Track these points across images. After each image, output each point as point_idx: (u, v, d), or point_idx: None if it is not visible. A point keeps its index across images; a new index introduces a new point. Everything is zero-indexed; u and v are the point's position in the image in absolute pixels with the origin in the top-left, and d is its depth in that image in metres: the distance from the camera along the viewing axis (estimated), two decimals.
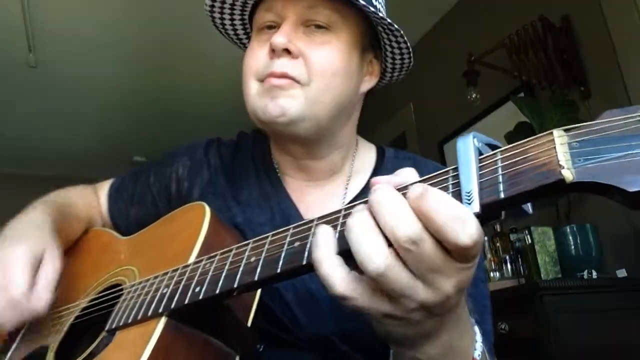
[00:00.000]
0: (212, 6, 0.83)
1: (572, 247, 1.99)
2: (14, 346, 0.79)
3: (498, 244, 2.22)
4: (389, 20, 0.77)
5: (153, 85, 3.77)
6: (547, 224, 2.11)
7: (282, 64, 0.74)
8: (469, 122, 2.91)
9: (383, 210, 0.40)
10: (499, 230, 2.27)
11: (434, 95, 3.22)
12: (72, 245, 0.92)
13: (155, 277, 0.63)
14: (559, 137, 0.38)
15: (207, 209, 0.69)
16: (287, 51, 0.74)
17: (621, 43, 2.12)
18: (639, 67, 2.05)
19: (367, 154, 0.91)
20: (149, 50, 3.37)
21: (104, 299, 0.72)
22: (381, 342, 0.53)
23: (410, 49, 0.85)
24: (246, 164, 0.90)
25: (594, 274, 1.92)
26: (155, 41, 3.29)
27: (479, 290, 0.77)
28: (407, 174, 0.46)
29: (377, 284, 0.40)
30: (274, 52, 0.74)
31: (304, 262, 0.46)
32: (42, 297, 0.68)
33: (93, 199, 1.01)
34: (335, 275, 0.41)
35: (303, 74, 0.74)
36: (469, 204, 0.38)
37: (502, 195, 0.38)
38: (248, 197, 0.85)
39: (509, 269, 2.15)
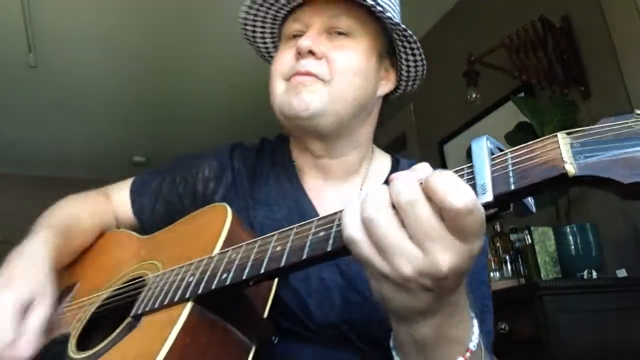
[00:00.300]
0: (246, 19, 0.93)
1: (572, 247, 1.99)
2: None
3: (498, 244, 2.22)
4: (403, 26, 0.85)
5: (153, 85, 3.77)
6: (547, 224, 2.11)
7: (307, 64, 0.82)
8: (469, 122, 2.91)
9: (394, 182, 0.46)
10: (499, 230, 2.27)
11: (434, 95, 3.22)
12: (88, 248, 0.96)
13: (181, 268, 0.66)
14: (563, 139, 0.44)
15: (229, 209, 0.73)
16: (312, 53, 0.83)
17: (621, 43, 2.12)
18: (639, 67, 2.05)
19: (382, 162, 0.97)
20: (149, 50, 3.37)
21: (126, 289, 0.75)
22: (387, 333, 0.56)
23: (424, 58, 0.92)
24: (267, 165, 0.96)
25: (594, 274, 1.92)
26: (155, 41, 3.29)
27: (480, 292, 0.79)
28: (423, 167, 0.49)
29: (376, 242, 0.45)
30: (300, 54, 0.83)
31: (329, 249, 0.51)
32: (25, 346, 0.68)
33: (101, 205, 1.01)
34: (350, 218, 0.47)
35: (326, 72, 0.82)
36: (483, 194, 0.44)
37: (512, 187, 0.44)
38: (267, 196, 0.90)
39: (509, 269, 2.15)
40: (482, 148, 0.47)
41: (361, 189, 0.90)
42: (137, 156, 4.77)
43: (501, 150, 0.49)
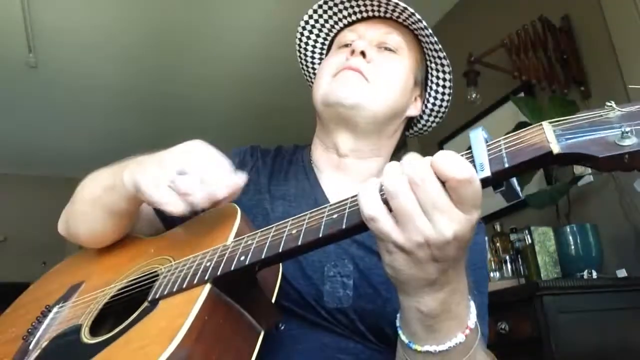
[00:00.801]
0: (305, 25, 1.02)
1: (572, 247, 2.00)
2: (43, 327, 0.81)
3: (498, 244, 2.22)
4: (440, 46, 0.96)
5: (154, 85, 3.77)
6: (547, 224, 2.11)
7: (358, 62, 0.90)
8: (469, 122, 2.91)
9: (408, 162, 0.52)
10: (499, 230, 2.28)
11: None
12: (93, 249, 0.96)
13: (196, 257, 0.69)
14: (547, 126, 0.52)
15: (238, 209, 0.76)
16: (363, 55, 0.91)
17: (621, 43, 2.12)
18: (639, 67, 2.05)
19: None
20: (149, 50, 3.37)
21: (140, 281, 0.76)
22: (393, 325, 0.62)
23: (451, 93, 1.02)
24: (286, 165, 1.01)
25: (594, 274, 1.92)
26: (155, 41, 3.29)
27: (481, 300, 0.81)
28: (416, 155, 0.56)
29: (394, 211, 0.51)
30: (352, 53, 0.91)
31: (344, 227, 0.56)
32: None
33: None
34: (369, 196, 0.53)
35: (371, 73, 0.90)
36: (482, 171, 0.52)
37: (506, 165, 0.52)
38: (285, 192, 0.93)
39: (509, 269, 2.15)
40: (478, 136, 0.56)
41: None
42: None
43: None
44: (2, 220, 4.58)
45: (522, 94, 2.52)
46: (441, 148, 3.13)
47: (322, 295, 0.78)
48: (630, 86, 1.95)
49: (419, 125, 1.07)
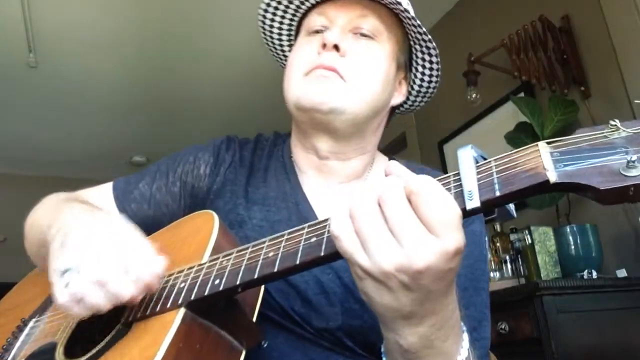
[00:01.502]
0: (267, 8, 0.90)
1: (572, 247, 2.00)
2: (18, 344, 0.79)
3: (498, 244, 2.22)
4: (424, 29, 0.85)
5: (153, 85, 3.77)
6: (547, 224, 2.11)
7: (332, 58, 0.81)
8: (469, 122, 2.91)
9: (380, 180, 0.49)
10: (499, 230, 2.27)
11: (434, 95, 3.22)
12: None
13: (170, 275, 0.65)
14: (543, 148, 0.47)
15: (215, 216, 0.72)
16: (336, 48, 0.81)
17: (621, 43, 2.12)
18: (639, 67, 2.05)
19: (381, 164, 0.94)
20: (149, 50, 3.37)
21: None
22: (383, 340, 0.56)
23: (439, 74, 0.94)
24: (264, 163, 0.93)
25: (594, 274, 1.92)
26: (155, 41, 3.29)
27: (480, 299, 0.79)
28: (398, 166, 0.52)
29: (356, 231, 0.47)
30: (324, 47, 0.81)
31: (322, 254, 0.52)
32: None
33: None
34: (337, 214, 0.49)
35: (348, 70, 0.81)
36: (470, 200, 0.47)
37: (497, 194, 0.47)
38: (264, 196, 0.87)
39: (509, 269, 2.15)
40: (467, 156, 0.50)
41: None
42: (137, 156, 4.77)
43: (485, 158, 0.52)
44: (2, 220, 4.57)
45: (522, 94, 2.52)
46: (441, 148, 3.13)
47: (309, 313, 0.74)
48: (636, 101, 1.95)
49: (405, 106, 1.00)
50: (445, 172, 0.58)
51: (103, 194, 0.94)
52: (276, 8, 0.91)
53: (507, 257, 2.16)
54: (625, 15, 2.12)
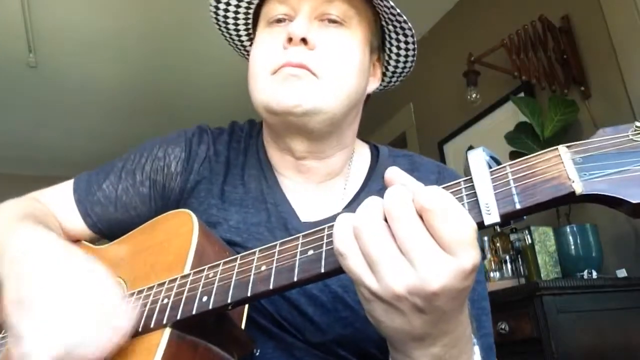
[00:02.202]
0: (218, 1, 0.81)
1: (572, 247, 1.99)
2: None
3: (498, 244, 2.22)
4: (398, 10, 0.77)
5: (153, 85, 3.77)
6: (547, 224, 2.11)
7: (300, 54, 0.73)
8: (469, 122, 2.90)
9: (388, 194, 0.44)
10: (499, 230, 2.27)
11: (434, 95, 3.22)
12: None
13: (150, 289, 0.61)
14: (565, 154, 0.43)
15: (194, 217, 0.67)
16: (304, 42, 0.73)
17: (621, 43, 2.12)
18: (639, 67, 2.04)
19: (362, 154, 0.88)
20: (149, 50, 3.37)
21: None
22: (379, 348, 0.54)
23: (415, 53, 0.85)
24: (242, 160, 0.86)
25: (594, 274, 1.92)
26: (155, 41, 3.29)
27: (477, 294, 0.76)
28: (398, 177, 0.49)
29: (362, 253, 0.44)
30: (290, 41, 0.73)
31: (322, 270, 0.48)
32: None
33: (47, 213, 0.84)
34: (340, 230, 0.45)
35: (319, 65, 0.73)
36: (489, 214, 0.43)
37: (518, 207, 0.42)
38: (242, 196, 0.81)
39: (509, 269, 2.15)
40: (480, 161, 0.45)
41: (344, 189, 0.83)
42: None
43: (495, 159, 0.48)
44: None
45: (522, 94, 2.52)
46: (441, 148, 3.13)
47: (297, 320, 0.71)
48: None
49: (380, 87, 0.92)
50: None
51: (64, 195, 0.86)
52: (227, 4, 0.81)
53: (507, 257, 2.16)
54: (625, 15, 2.12)
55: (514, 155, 2.14)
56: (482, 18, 2.85)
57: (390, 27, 0.83)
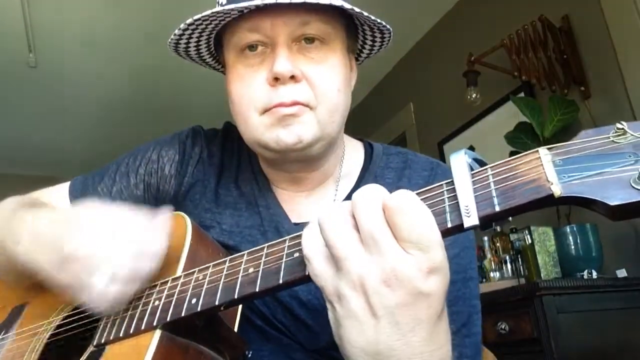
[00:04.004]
0: (182, 33, 0.75)
1: (572, 247, 1.99)
2: None
3: (498, 244, 2.22)
4: (372, 17, 0.74)
5: (153, 85, 3.77)
6: (547, 224, 2.11)
7: (290, 92, 0.70)
8: (469, 122, 2.91)
9: (354, 197, 0.45)
10: (499, 230, 2.27)
11: (434, 95, 3.22)
12: None
13: (142, 291, 0.62)
14: (545, 156, 0.43)
15: (188, 220, 0.67)
16: (292, 77, 0.70)
17: (621, 43, 2.12)
18: (639, 67, 2.04)
19: (354, 153, 0.88)
20: (150, 50, 3.36)
21: (83, 314, 0.68)
22: None
23: (391, 33, 0.80)
24: (236, 162, 0.85)
25: (594, 274, 1.92)
26: (155, 41, 3.29)
27: (469, 291, 0.75)
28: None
29: (330, 250, 0.45)
30: (277, 80, 0.70)
31: (306, 273, 0.48)
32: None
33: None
34: (307, 233, 0.47)
35: (311, 97, 0.71)
36: (468, 216, 0.43)
37: (497, 209, 0.43)
38: (236, 199, 0.82)
39: (509, 269, 2.15)
40: (461, 164, 0.45)
41: (336, 190, 0.83)
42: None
43: (480, 161, 0.48)
44: None
45: (522, 94, 2.52)
46: (441, 148, 3.13)
47: (291, 323, 0.71)
48: None
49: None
50: None
51: (59, 197, 0.88)
52: (194, 29, 0.75)
53: (507, 257, 2.16)
54: (625, 15, 2.12)
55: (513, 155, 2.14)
56: (482, 18, 2.85)
57: (366, 27, 0.80)
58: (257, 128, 0.73)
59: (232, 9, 0.68)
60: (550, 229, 2.06)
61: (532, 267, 2.00)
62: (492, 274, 2.18)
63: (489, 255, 2.23)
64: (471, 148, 0.48)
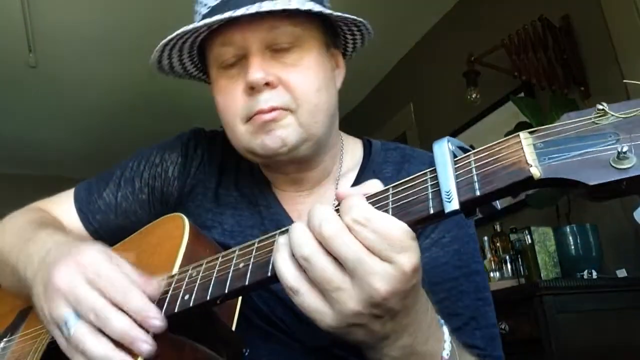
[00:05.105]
0: (162, 52, 0.77)
1: (572, 247, 1.99)
2: None
3: (498, 244, 2.22)
4: (345, 15, 0.75)
5: (153, 85, 3.76)
6: (547, 224, 2.11)
7: (267, 98, 0.71)
8: (469, 122, 2.91)
9: (309, 218, 0.48)
10: (499, 230, 2.27)
11: (434, 95, 3.22)
12: None
13: None
14: (525, 139, 0.43)
15: (186, 221, 0.68)
16: (267, 83, 0.71)
17: (621, 43, 2.12)
18: (639, 67, 2.04)
19: (354, 150, 0.88)
20: (149, 50, 3.36)
21: None
22: None
23: (370, 32, 0.81)
24: (236, 162, 0.86)
25: (594, 274, 1.92)
26: (155, 41, 3.28)
27: (474, 285, 0.76)
28: (371, 186, 0.51)
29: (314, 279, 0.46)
30: (252, 89, 0.71)
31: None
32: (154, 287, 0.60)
33: (54, 220, 0.87)
34: (286, 268, 0.48)
35: (290, 100, 0.72)
36: (449, 202, 0.43)
37: (477, 193, 0.43)
38: (238, 199, 0.83)
39: (509, 269, 2.15)
40: (444, 151, 0.46)
41: (336, 188, 0.83)
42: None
43: (464, 150, 0.49)
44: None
45: (522, 94, 2.52)
46: None
47: (292, 321, 0.71)
48: (625, 81, 1.93)
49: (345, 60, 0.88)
50: None
51: (64, 205, 0.89)
52: (170, 52, 0.78)
53: (507, 257, 2.16)
54: (625, 15, 2.12)
55: None
56: (482, 18, 2.85)
57: (340, 22, 0.80)
58: (243, 136, 0.75)
59: (202, 26, 0.70)
60: (550, 229, 2.06)
61: (532, 267, 2.00)
62: (492, 274, 2.18)
63: (489, 255, 2.23)
64: (471, 147, 0.48)
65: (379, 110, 3.76)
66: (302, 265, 0.47)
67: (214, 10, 0.73)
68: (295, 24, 0.73)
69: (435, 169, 0.46)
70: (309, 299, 0.47)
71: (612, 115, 0.41)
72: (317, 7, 0.70)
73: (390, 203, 0.47)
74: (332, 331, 0.48)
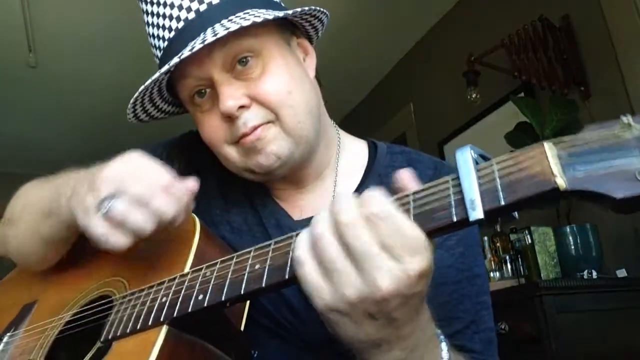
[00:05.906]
0: (134, 106, 0.77)
1: (572, 247, 1.99)
2: None
3: (498, 244, 2.22)
4: (299, 10, 0.74)
5: None
6: (547, 224, 2.11)
7: (245, 121, 0.71)
8: (469, 122, 2.91)
9: (335, 202, 0.47)
10: (499, 230, 2.27)
11: (434, 95, 3.22)
12: None
13: (151, 287, 0.62)
14: (550, 149, 0.42)
15: (197, 220, 0.68)
16: (241, 106, 0.71)
17: (621, 43, 2.12)
18: (639, 67, 2.05)
19: (356, 150, 0.88)
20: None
21: (92, 311, 0.70)
22: None
23: (325, 12, 0.79)
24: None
25: (594, 274, 1.92)
26: None
27: (476, 288, 0.76)
28: (407, 181, 0.51)
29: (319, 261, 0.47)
30: (229, 117, 0.71)
31: None
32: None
33: None
34: (300, 241, 0.49)
35: (267, 113, 0.72)
36: (473, 210, 0.43)
37: (502, 202, 0.42)
38: (241, 198, 0.83)
39: (509, 269, 2.15)
40: (467, 158, 0.46)
41: (334, 187, 0.83)
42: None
43: (485, 158, 0.48)
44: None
45: (522, 94, 2.52)
46: (441, 148, 3.13)
47: (298, 322, 0.71)
48: None
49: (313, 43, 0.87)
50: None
51: None
52: (142, 103, 0.78)
53: (507, 257, 2.16)
54: (625, 15, 2.12)
55: None
56: (482, 18, 2.85)
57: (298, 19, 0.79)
58: (235, 157, 0.75)
59: (159, 75, 0.72)
60: (550, 229, 2.06)
61: (532, 267, 2.00)
62: (492, 274, 2.18)
63: (489, 255, 2.23)
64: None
65: (379, 110, 3.76)
66: (311, 245, 0.47)
67: (170, 48, 0.75)
68: (248, 36, 0.71)
69: (457, 176, 0.46)
70: (314, 276, 0.47)
71: (636, 128, 0.40)
72: (269, 13, 0.70)
73: (412, 209, 0.47)
74: (324, 313, 0.48)
